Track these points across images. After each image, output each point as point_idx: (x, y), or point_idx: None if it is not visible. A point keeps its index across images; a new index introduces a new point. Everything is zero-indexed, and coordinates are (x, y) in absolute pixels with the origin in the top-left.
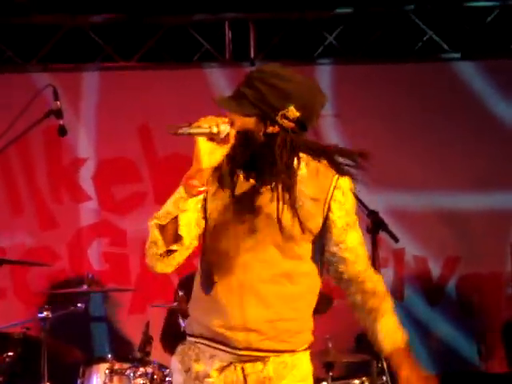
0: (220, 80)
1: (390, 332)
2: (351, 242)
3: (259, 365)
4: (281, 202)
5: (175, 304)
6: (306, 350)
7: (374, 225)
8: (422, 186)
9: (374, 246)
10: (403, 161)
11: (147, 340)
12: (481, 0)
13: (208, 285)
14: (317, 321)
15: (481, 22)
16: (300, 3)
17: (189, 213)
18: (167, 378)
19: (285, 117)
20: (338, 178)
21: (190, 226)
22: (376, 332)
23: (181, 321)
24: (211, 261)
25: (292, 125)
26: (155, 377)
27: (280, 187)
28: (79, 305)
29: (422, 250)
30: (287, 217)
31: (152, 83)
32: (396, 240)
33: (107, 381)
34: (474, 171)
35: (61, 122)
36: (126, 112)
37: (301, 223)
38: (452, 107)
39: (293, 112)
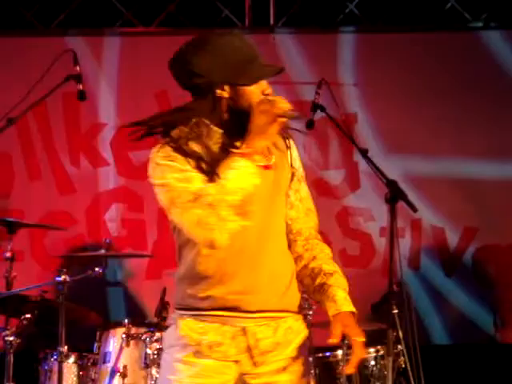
0: None
1: (335, 299)
2: (304, 193)
3: (270, 330)
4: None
5: None
6: (299, 314)
7: (392, 194)
8: (443, 154)
9: (393, 215)
10: (424, 128)
11: (163, 305)
12: None
13: (212, 258)
14: None
15: None
16: None
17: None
18: None
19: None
20: (287, 136)
21: None
22: (323, 301)
23: None
24: None
25: None
26: None
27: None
28: (96, 269)
29: (440, 220)
30: (278, 172)
31: (172, 49)
32: (414, 210)
33: (124, 345)
34: (495, 140)
35: (80, 86)
36: (146, 78)
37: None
38: (474, 75)
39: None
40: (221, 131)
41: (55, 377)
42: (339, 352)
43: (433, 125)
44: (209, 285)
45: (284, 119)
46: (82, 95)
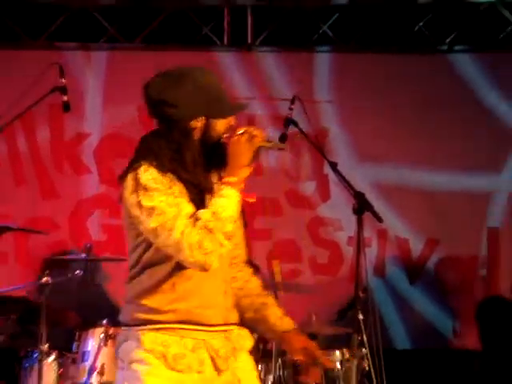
0: (218, 64)
1: (282, 317)
2: (240, 222)
3: (223, 339)
4: None
5: None
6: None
7: (359, 206)
8: (410, 165)
9: (360, 225)
10: (394, 142)
11: None
12: None
13: (181, 275)
14: (302, 297)
15: (471, 15)
16: None
17: None
18: None
19: None
20: None
21: None
22: (267, 318)
23: None
24: None
25: None
26: None
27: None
28: (77, 272)
29: (405, 231)
30: None
31: (153, 64)
32: (380, 220)
33: (102, 344)
34: (459, 155)
35: (65, 98)
36: (129, 91)
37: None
38: (442, 94)
39: None
40: (198, 160)
41: (35, 374)
42: None
43: (402, 139)
44: (174, 299)
45: (266, 147)
46: (66, 106)
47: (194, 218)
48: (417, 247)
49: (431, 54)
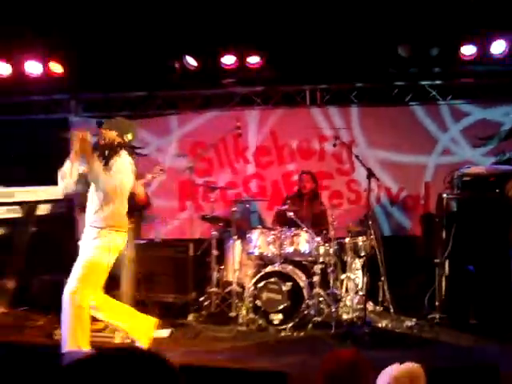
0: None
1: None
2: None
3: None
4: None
5: (285, 206)
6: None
7: (369, 174)
8: (392, 151)
9: (369, 183)
10: (386, 141)
11: (277, 221)
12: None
13: None
14: (343, 214)
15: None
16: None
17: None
18: (282, 235)
19: (126, 138)
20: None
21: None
22: None
23: (287, 213)
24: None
25: (127, 142)
26: (278, 235)
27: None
28: (234, 208)
29: (390, 183)
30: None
31: (274, 114)
32: (378, 180)
33: (259, 236)
34: (412, 146)
35: (239, 131)
36: (265, 127)
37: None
38: (405, 122)
39: (127, 137)
40: None
41: (232, 250)
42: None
43: (389, 140)
44: None
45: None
46: (239, 135)
47: None
48: (394, 191)
49: (400, 106)
